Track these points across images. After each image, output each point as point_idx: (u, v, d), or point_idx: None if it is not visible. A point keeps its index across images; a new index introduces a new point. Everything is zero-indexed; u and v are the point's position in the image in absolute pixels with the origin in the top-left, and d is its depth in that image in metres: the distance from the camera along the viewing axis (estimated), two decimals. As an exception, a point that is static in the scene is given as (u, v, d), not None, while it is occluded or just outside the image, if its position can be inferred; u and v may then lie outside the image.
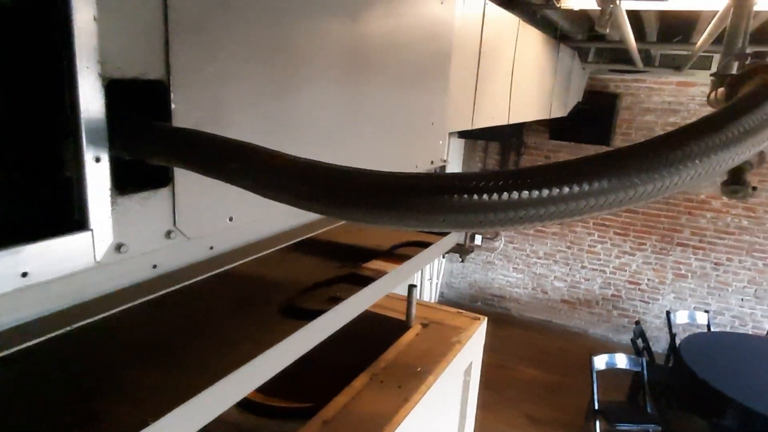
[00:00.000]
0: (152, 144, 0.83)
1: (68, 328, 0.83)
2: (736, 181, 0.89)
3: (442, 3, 1.85)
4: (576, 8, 3.44)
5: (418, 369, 1.74)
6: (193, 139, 0.79)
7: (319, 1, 1.24)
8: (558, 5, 3.51)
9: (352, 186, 0.60)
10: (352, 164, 1.48)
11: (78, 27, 0.75)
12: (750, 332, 6.30)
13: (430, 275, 7.34)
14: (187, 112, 0.93)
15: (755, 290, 6.36)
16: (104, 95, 0.79)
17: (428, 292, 7.38)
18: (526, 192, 0.53)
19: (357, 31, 1.41)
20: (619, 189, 0.53)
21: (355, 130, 1.45)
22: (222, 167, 0.74)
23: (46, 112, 0.86)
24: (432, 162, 1.99)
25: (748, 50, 1.48)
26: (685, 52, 4.85)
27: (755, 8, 1.88)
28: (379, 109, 1.56)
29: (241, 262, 1.15)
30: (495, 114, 3.32)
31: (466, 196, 0.55)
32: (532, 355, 6.46)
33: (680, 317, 5.63)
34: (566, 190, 0.53)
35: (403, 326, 2.03)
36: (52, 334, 0.82)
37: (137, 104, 0.86)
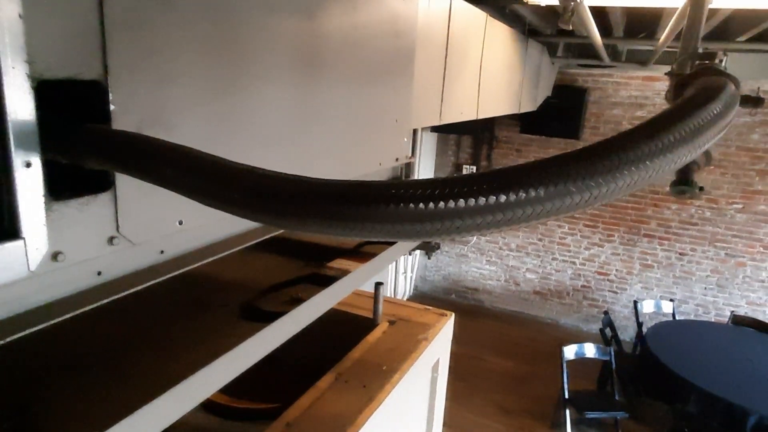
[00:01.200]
0: (87, 147, 0.79)
1: (1, 342, 0.80)
2: (683, 182, 0.90)
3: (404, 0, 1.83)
4: (543, 4, 3.46)
5: (384, 367, 1.74)
6: (129, 142, 0.76)
7: (273, -4, 1.21)
8: (525, 1, 3.53)
9: (283, 194, 0.58)
10: (309, 163, 1.45)
11: (3, 25, 0.70)
12: (713, 320, 6.50)
13: (404, 269, 7.36)
14: (127, 114, 0.89)
15: (717, 279, 6.56)
16: (34, 97, 0.75)
17: (402, 285, 7.40)
18: (461, 201, 0.52)
19: (311, 28, 1.38)
20: (555, 197, 0.52)
21: (310, 129, 1.42)
22: (157, 172, 0.71)
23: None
24: (397, 159, 1.98)
25: (703, 48, 1.50)
26: (650, 48, 4.94)
27: (711, 6, 1.91)
28: (337, 108, 1.54)
29: (195, 265, 1.12)
30: (464, 109, 3.32)
31: (401, 205, 0.54)
32: (503, 346, 6.55)
33: (647, 306, 5.77)
34: (502, 198, 0.52)
35: (370, 324, 2.03)
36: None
37: (73, 106, 0.82)
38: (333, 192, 0.55)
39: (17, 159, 0.74)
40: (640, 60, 5.62)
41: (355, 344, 1.90)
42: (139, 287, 1.04)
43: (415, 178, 2.17)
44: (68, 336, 0.97)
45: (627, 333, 6.74)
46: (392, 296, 6.29)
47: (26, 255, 0.77)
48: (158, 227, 1.00)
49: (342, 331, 1.92)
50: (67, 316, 0.90)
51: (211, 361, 1.06)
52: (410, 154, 2.10)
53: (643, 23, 4.53)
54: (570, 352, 4.65)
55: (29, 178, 0.76)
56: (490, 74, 3.76)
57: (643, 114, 6.50)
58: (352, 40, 1.56)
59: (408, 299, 7.39)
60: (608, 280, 7.08)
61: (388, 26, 1.77)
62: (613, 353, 4.75)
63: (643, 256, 6.85)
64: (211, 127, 1.09)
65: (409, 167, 2.12)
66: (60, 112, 0.80)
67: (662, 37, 3.37)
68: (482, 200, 0.50)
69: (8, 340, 0.81)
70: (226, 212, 0.65)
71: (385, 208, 0.53)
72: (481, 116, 3.68)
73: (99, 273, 0.94)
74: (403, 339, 1.94)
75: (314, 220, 0.56)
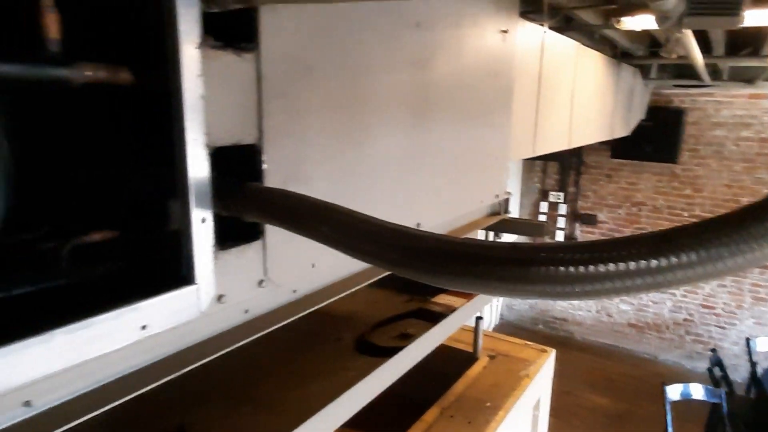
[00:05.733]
0: (248, 203, 0.91)
1: (171, 376, 0.91)
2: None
3: (504, 40, 1.89)
4: (638, 29, 3.37)
5: (488, 404, 1.74)
6: (286, 201, 0.87)
7: (390, 54, 1.31)
8: (618, 26, 3.46)
9: (440, 254, 0.65)
10: (418, 204, 1.52)
11: (188, 105, 0.84)
12: (843, 361, 5.78)
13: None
14: (275, 171, 1.01)
15: None
16: (209, 162, 0.88)
17: (488, 314, 7.27)
18: (616, 264, 0.55)
19: (423, 78, 1.47)
20: (707, 262, 0.54)
21: (419, 171, 1.50)
22: (314, 229, 0.81)
23: (155, 177, 0.97)
24: (497, 196, 2.01)
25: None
26: (757, 65, 4.62)
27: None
28: (442, 150, 1.61)
29: (324, 303, 1.21)
30: (556, 140, 3.29)
31: (553, 268, 0.58)
32: (598, 382, 6.21)
33: (761, 344, 5.26)
34: (655, 263, 0.55)
35: (470, 358, 2.04)
36: (157, 383, 0.90)
37: (235, 167, 0.95)
38: (492, 255, 0.61)
39: (196, 216, 0.87)
40: (746, 77, 5.27)
41: (456, 378, 1.93)
42: (277, 325, 1.14)
43: (509, 210, 2.19)
44: (215, 365, 1.08)
45: (738, 373, 6.16)
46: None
47: (199, 298, 0.90)
48: (296, 270, 1.11)
49: (442, 365, 1.96)
50: (222, 352, 1.01)
51: (340, 395, 1.14)
52: (508, 189, 2.12)
53: (746, 39, 4.27)
54: (674, 392, 4.33)
55: (203, 232, 0.89)
56: (581, 102, 3.70)
57: (749, 134, 6.04)
58: (458, 84, 1.63)
59: (494, 329, 7.24)
60: (714, 314, 6.54)
61: (489, 67, 1.83)
62: (724, 395, 4.36)
63: (755, 289, 6.27)
64: (338, 176, 1.19)
65: (507, 203, 2.14)
66: (225, 173, 0.93)
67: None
68: (639, 264, 0.54)
69: (176, 374, 0.93)
70: (380, 267, 0.73)
71: (545, 270, 0.58)
72: (573, 145, 3.62)
73: (246, 311, 1.06)
74: (505, 375, 1.94)
75: (470, 280, 0.62)
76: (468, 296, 1.73)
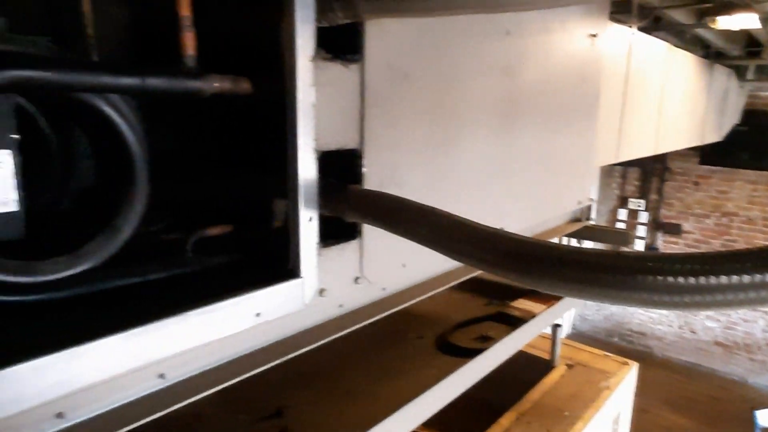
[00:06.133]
0: (350, 204, 0.97)
1: (277, 361, 0.99)
2: None
3: (592, 44, 1.86)
4: (735, 29, 3.17)
5: (566, 413, 1.72)
6: (388, 203, 0.92)
7: (480, 61, 1.34)
8: (712, 26, 3.27)
9: (544, 259, 0.67)
10: (502, 209, 1.54)
11: (302, 113, 0.91)
12: None
13: (560, 306, 7.02)
14: (373, 175, 1.07)
15: None
16: (317, 166, 0.95)
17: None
18: (729, 277, 0.56)
19: (512, 84, 1.48)
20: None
21: (504, 176, 1.51)
22: (413, 231, 0.85)
23: (264, 178, 1.05)
24: (579, 202, 1.98)
25: None
26: None
27: None
28: (528, 155, 1.61)
29: (411, 302, 1.26)
30: (641, 145, 3.16)
31: (660, 277, 0.59)
32: (678, 402, 5.86)
33: None
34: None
35: (547, 365, 2.02)
36: (265, 367, 0.98)
37: (338, 171, 1.02)
38: (597, 261, 0.62)
39: (304, 215, 0.94)
40: None
41: (532, 385, 1.92)
42: (369, 320, 1.20)
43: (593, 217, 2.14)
44: (308, 353, 1.15)
45: (843, 402, 5.60)
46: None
47: (303, 291, 0.97)
48: (389, 269, 1.16)
49: (519, 370, 1.95)
50: (321, 342, 1.08)
51: (424, 391, 1.19)
52: (592, 196, 2.08)
53: None
54: (765, 418, 4.03)
55: (309, 230, 0.96)
56: (670, 106, 3.53)
57: None
58: (544, 89, 1.63)
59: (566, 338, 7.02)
60: (815, 336, 5.99)
61: (577, 71, 1.81)
62: (826, 426, 4.00)
63: None
64: (429, 181, 1.24)
65: (589, 209, 2.10)
66: (329, 176, 1.00)
67: None
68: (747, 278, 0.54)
69: (281, 360, 1.01)
70: (477, 269, 0.76)
71: (643, 279, 0.59)
72: (660, 151, 3.46)
73: (341, 305, 1.12)
74: (584, 385, 1.90)
75: (572, 286, 0.64)
76: (547, 302, 1.72)
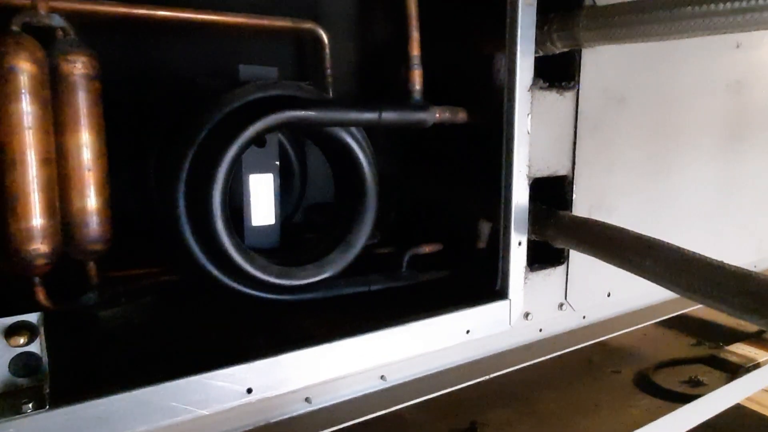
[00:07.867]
0: (560, 231, 0.97)
1: (481, 378, 1.03)
2: None
3: None
4: None
5: (798, 484, 1.46)
6: (605, 232, 0.90)
7: (704, 79, 1.23)
8: None
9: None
10: (724, 240, 1.38)
11: (517, 140, 0.95)
12: None
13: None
14: (582, 201, 1.05)
15: None
16: (528, 192, 0.98)
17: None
18: None
19: (738, 102, 1.33)
20: None
21: (729, 204, 1.36)
22: (634, 262, 0.82)
23: (473, 201, 1.11)
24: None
25: None
26: None
27: None
28: (757, 180, 1.42)
29: (613, 335, 1.20)
30: None
31: None
32: None
33: None
34: None
35: (769, 424, 1.74)
36: (469, 382, 1.02)
37: (548, 197, 1.03)
38: None
39: (514, 239, 0.97)
40: None
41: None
42: (570, 349, 1.18)
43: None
44: (503, 375, 1.17)
45: None
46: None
47: (509, 313, 1.00)
48: (593, 297, 1.13)
49: (736, 427, 1.71)
50: (521, 365, 1.09)
51: None
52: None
53: None
54: None
55: (518, 254, 0.99)
56: None
57: None
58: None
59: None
60: None
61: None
62: None
63: None
64: (642, 207, 1.17)
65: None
66: (540, 202, 1.01)
67: None
68: None
69: (480, 379, 1.04)
70: (716, 309, 0.71)
71: None
72: None
73: (540, 330, 1.12)
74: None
75: None
76: (777, 350, 1.49)
